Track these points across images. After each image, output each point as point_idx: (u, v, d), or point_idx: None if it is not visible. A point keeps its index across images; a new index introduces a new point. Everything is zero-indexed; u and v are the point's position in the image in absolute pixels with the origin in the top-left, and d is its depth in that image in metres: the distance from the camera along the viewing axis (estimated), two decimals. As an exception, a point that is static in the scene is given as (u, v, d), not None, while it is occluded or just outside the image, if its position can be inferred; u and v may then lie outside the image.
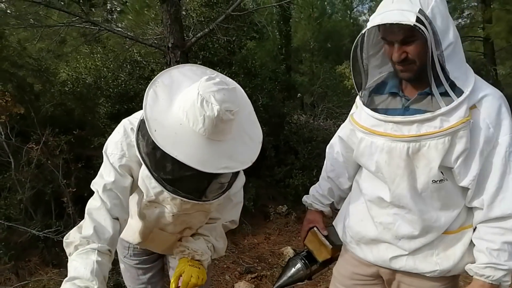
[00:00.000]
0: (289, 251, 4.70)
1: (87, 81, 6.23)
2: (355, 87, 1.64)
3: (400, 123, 1.48)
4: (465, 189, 1.54)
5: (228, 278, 4.14)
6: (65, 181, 4.45)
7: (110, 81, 6.25)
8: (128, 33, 5.79)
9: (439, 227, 1.56)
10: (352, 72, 1.63)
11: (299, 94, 9.20)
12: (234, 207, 1.88)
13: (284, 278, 1.93)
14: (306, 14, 13.17)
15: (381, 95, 1.61)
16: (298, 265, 1.93)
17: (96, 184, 1.52)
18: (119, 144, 1.53)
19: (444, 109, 1.40)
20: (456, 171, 1.47)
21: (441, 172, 1.48)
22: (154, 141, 1.32)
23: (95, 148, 4.83)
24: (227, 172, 1.42)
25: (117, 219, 1.49)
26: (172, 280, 1.65)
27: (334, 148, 1.92)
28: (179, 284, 1.64)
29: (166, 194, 1.51)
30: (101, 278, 1.34)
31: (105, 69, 6.49)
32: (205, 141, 1.35)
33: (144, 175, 1.53)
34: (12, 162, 4.37)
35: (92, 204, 1.49)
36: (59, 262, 4.14)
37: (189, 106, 1.35)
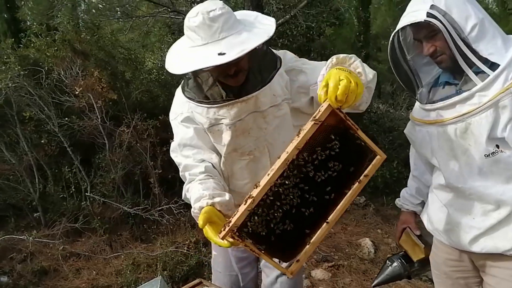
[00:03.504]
0: (367, 242, 4.56)
1: (171, 70, 6.52)
2: (404, 87, 1.72)
3: (443, 108, 1.54)
4: None
5: (304, 265, 4.13)
6: (152, 163, 4.74)
7: (192, 70, 6.48)
8: (210, 22, 5.95)
9: (507, 200, 1.51)
10: (397, 76, 1.70)
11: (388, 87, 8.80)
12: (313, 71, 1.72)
13: (382, 276, 2.05)
14: (387, -1, 12.55)
15: (438, 87, 1.66)
16: (395, 264, 2.02)
17: (173, 152, 1.75)
18: (173, 108, 1.78)
19: (479, 85, 1.44)
20: (509, 140, 1.45)
21: (496, 145, 1.47)
22: (168, 70, 1.57)
23: (179, 133, 5.08)
24: (233, 58, 1.44)
25: (202, 160, 1.69)
26: (319, 89, 1.40)
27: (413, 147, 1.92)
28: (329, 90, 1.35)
29: (211, 110, 1.66)
30: (209, 186, 1.57)
31: (187, 58, 6.73)
32: (206, 46, 1.49)
33: (194, 110, 1.71)
34: (107, 143, 4.75)
35: (180, 169, 1.71)
36: (147, 238, 4.42)
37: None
